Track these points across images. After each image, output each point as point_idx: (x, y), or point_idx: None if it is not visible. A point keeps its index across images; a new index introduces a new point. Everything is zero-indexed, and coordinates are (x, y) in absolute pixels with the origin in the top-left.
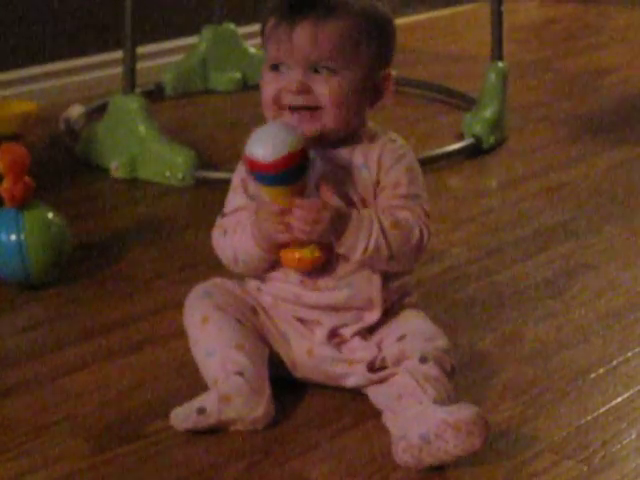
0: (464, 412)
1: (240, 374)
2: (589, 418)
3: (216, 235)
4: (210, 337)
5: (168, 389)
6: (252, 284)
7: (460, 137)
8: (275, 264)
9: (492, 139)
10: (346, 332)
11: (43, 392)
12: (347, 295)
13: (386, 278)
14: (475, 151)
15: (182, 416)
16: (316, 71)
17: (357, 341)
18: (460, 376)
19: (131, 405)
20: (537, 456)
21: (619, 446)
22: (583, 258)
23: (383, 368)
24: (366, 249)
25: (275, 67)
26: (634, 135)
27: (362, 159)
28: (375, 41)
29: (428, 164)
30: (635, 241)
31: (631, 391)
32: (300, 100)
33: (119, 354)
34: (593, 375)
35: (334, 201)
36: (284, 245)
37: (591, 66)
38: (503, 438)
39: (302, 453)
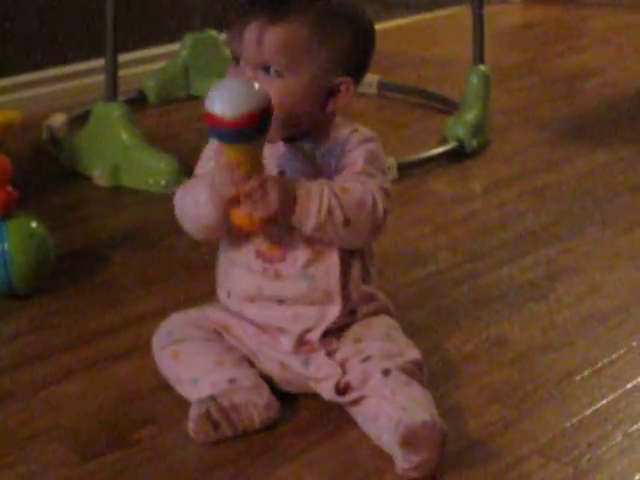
0: (404, 428)
1: (232, 381)
2: (575, 420)
3: (177, 194)
4: (188, 366)
5: (154, 397)
6: (223, 290)
7: (443, 141)
8: (232, 242)
9: (475, 143)
10: (312, 337)
11: (29, 402)
12: (307, 286)
13: (345, 270)
14: (458, 155)
15: (195, 407)
16: (267, 70)
17: (322, 357)
18: (445, 380)
19: (118, 413)
20: (523, 459)
21: (605, 448)
22: (567, 261)
23: (349, 390)
24: (319, 212)
25: (235, 60)
26: (617, 137)
27: (327, 148)
28: (331, 49)
29: (411, 168)
30: (618, 243)
31: (616, 393)
32: None
33: (105, 363)
34: (578, 377)
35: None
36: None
37: (573, 69)
38: (489, 441)
39: (290, 460)
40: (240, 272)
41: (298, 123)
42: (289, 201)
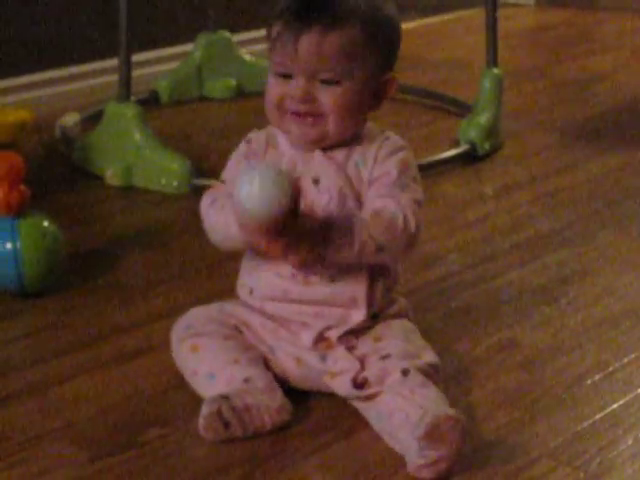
0: (430, 419)
1: (247, 381)
2: (585, 424)
3: (205, 201)
4: (205, 361)
5: (164, 397)
6: (244, 287)
7: (455, 143)
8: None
9: (487, 145)
10: (332, 335)
11: (39, 401)
12: (333, 291)
13: (373, 278)
14: (470, 157)
15: (206, 405)
16: (320, 79)
17: (341, 351)
18: (456, 383)
19: (127, 413)
20: (534, 463)
21: (615, 452)
22: (578, 264)
23: (366, 384)
24: (352, 248)
25: (280, 73)
26: (629, 140)
27: (359, 157)
28: (379, 49)
29: (424, 171)
30: (630, 247)
31: (627, 397)
32: (303, 107)
33: (115, 362)
34: (589, 381)
35: (323, 201)
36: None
37: (586, 72)
38: (499, 445)
39: (298, 462)
40: (267, 275)
41: (350, 128)
42: (320, 246)
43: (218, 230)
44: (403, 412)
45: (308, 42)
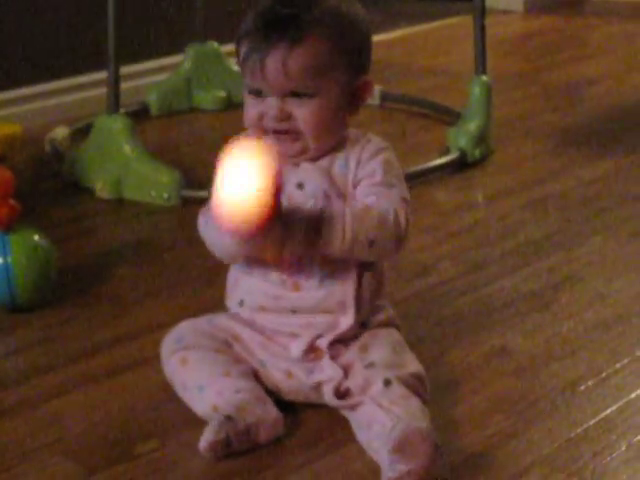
0: (398, 433)
1: (238, 392)
2: (579, 431)
3: (201, 222)
4: (195, 374)
5: (157, 410)
6: (234, 299)
7: (445, 151)
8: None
9: (477, 153)
10: (322, 343)
11: (32, 415)
12: (323, 295)
13: (360, 281)
14: (461, 165)
15: (212, 430)
16: (294, 94)
17: (327, 361)
18: (449, 391)
19: (121, 426)
20: (527, 470)
21: (609, 458)
22: (570, 270)
23: (348, 395)
24: (343, 240)
25: (254, 92)
26: (618, 146)
27: (342, 161)
28: (349, 56)
29: (414, 179)
30: (621, 252)
31: (620, 403)
32: (279, 126)
33: (108, 375)
34: (582, 387)
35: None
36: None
37: (575, 78)
38: (493, 451)
39: (291, 473)
40: (256, 282)
41: (330, 139)
42: (313, 235)
43: (217, 245)
44: (380, 423)
45: (274, 61)
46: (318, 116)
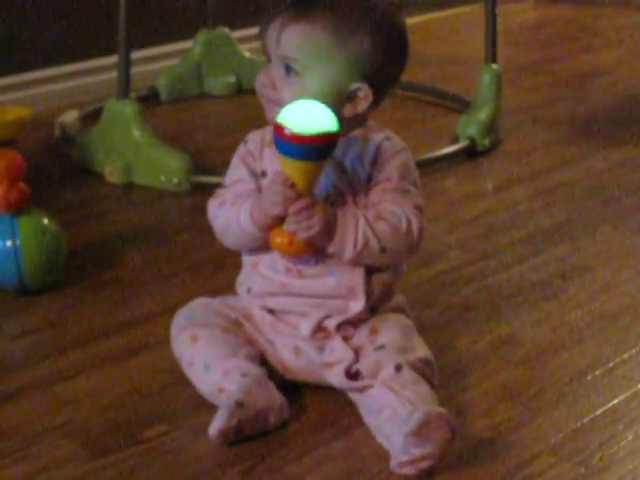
0: (420, 416)
1: (244, 376)
2: (586, 420)
3: (213, 204)
4: (204, 352)
5: (165, 394)
6: (242, 289)
7: (455, 140)
8: (262, 248)
9: (487, 141)
10: (331, 324)
11: (40, 398)
12: (332, 283)
13: (370, 269)
14: (470, 153)
15: (223, 417)
16: (287, 70)
17: (338, 342)
18: (456, 379)
19: (128, 410)
20: (534, 458)
21: (616, 448)
22: (578, 260)
23: (358, 377)
24: (355, 245)
25: (268, 59)
26: (628, 136)
27: (356, 154)
28: (346, 51)
29: (423, 167)
30: (630, 242)
31: (628, 393)
32: (268, 92)
33: (116, 359)
34: (590, 377)
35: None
36: (277, 226)
37: (585, 68)
38: (500, 441)
39: (298, 458)
40: (263, 271)
41: None
42: (330, 227)
43: (231, 227)
44: (392, 407)
45: (272, 29)
46: (296, 96)
